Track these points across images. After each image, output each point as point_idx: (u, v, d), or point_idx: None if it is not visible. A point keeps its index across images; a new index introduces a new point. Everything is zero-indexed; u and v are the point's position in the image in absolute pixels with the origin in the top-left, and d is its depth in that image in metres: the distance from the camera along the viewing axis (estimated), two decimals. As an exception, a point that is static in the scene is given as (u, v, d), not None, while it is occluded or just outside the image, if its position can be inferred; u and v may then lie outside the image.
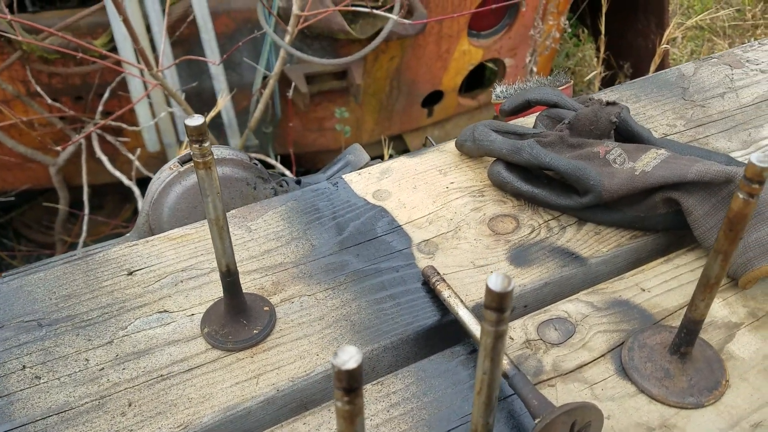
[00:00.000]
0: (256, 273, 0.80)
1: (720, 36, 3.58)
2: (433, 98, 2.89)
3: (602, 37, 2.41)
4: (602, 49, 2.46)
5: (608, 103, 0.88)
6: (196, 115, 0.58)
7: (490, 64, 2.93)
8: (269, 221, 0.87)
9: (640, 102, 1.06)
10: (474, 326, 0.71)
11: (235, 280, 0.69)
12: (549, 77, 1.12)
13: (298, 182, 1.01)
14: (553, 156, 0.84)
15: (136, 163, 2.21)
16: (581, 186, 0.83)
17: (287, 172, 2.25)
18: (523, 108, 0.97)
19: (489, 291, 0.45)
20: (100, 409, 0.65)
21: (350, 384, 0.40)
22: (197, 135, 0.58)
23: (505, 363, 0.66)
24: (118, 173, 2.19)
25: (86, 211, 2.29)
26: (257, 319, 0.73)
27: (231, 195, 0.93)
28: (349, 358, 0.40)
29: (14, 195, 2.54)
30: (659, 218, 0.82)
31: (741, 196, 0.56)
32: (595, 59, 2.69)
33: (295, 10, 2.03)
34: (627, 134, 0.89)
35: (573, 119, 0.87)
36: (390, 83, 2.73)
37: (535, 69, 2.81)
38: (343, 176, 0.94)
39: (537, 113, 0.97)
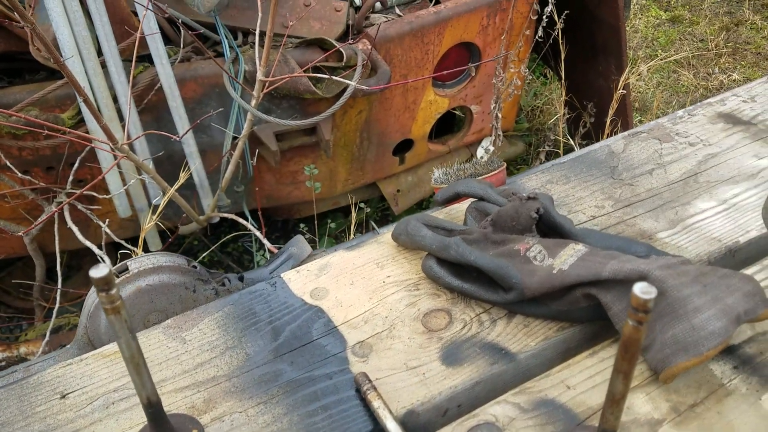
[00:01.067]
0: (188, 389, 0.81)
1: (684, 66, 3.64)
2: (404, 146, 2.93)
3: (562, 82, 2.46)
4: (563, 93, 2.51)
5: (528, 198, 0.90)
6: (102, 264, 0.60)
7: (457, 112, 2.98)
8: (204, 330, 0.88)
9: (569, 183, 1.09)
10: (401, 440, 0.72)
11: (158, 410, 0.71)
12: (484, 161, 1.15)
13: (241, 278, 1.02)
14: (478, 254, 0.86)
15: (107, 230, 2.23)
16: (505, 284, 0.85)
17: (257, 233, 2.27)
18: (454, 198, 0.99)
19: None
20: None
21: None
22: (103, 284, 0.60)
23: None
24: (88, 243, 2.21)
25: (59, 280, 2.30)
26: (186, 443, 0.74)
27: (170, 301, 0.94)
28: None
29: (-10, 263, 2.55)
30: (582, 311, 0.84)
31: (630, 323, 0.58)
32: (561, 101, 2.74)
33: (259, 75, 2.06)
34: (549, 224, 0.91)
35: (495, 216, 0.89)
36: (360, 135, 2.77)
37: (500, 115, 2.86)
38: (282, 275, 0.95)
39: (469, 203, 0.99)
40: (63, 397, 0.80)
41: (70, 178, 2.30)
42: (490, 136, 2.56)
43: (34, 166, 2.37)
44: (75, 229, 2.24)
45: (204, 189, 2.53)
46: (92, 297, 0.91)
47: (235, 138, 2.44)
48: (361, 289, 0.94)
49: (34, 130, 1.93)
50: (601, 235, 0.90)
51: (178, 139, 1.94)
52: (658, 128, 1.18)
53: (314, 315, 0.90)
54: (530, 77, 3.39)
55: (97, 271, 0.59)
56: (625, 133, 1.17)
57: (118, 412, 0.78)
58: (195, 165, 2.42)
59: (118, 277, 0.92)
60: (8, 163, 2.23)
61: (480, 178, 1.15)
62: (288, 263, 1.06)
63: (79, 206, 2.35)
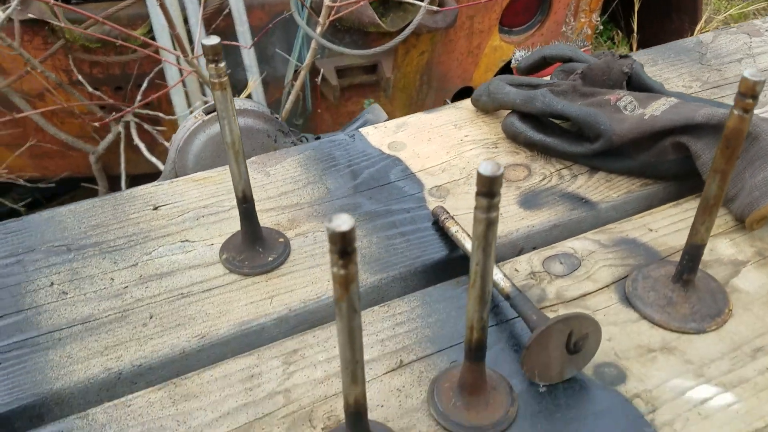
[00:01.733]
0: (272, 211, 0.83)
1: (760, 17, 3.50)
2: (464, 95, 2.91)
3: (634, 35, 2.41)
4: (635, 47, 2.46)
5: (621, 56, 0.89)
6: (213, 36, 0.62)
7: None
8: (287, 167, 0.90)
9: (656, 65, 1.08)
10: (480, 256, 0.73)
11: (251, 207, 0.73)
12: (567, 43, 1.14)
13: (317, 139, 1.04)
14: (565, 103, 0.86)
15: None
16: (592, 131, 0.85)
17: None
18: (539, 64, 0.99)
19: (479, 177, 0.47)
20: (122, 320, 0.69)
21: (344, 246, 0.43)
22: (213, 54, 0.62)
23: (507, 285, 0.68)
24: (154, 159, 2.27)
25: (123, 196, 2.36)
26: (272, 249, 0.76)
27: (252, 146, 0.97)
28: (343, 222, 0.43)
29: (55, 182, 2.63)
30: (669, 164, 0.83)
31: (736, 112, 0.57)
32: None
33: (326, 1, 2.08)
34: (639, 87, 0.90)
35: (586, 69, 0.89)
36: (420, 78, 2.77)
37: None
38: (360, 130, 0.97)
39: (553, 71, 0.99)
40: (155, 208, 0.83)
41: (138, 98, 2.36)
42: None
43: (103, 85, 2.44)
44: (142, 145, 2.30)
45: (265, 119, 2.56)
46: (182, 131, 0.94)
47: (297, 69, 2.46)
48: (439, 144, 0.95)
49: (109, 39, 1.99)
50: (694, 98, 0.89)
51: (248, 47, 1.97)
52: (747, 26, 1.16)
53: (392, 162, 0.91)
54: (597, 40, 3.32)
55: (209, 40, 0.61)
56: (715, 30, 1.15)
57: (208, 223, 0.81)
58: (257, 94, 2.45)
59: (206, 115, 0.95)
60: (80, 78, 2.30)
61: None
62: (364, 127, 1.07)
63: (146, 126, 2.41)
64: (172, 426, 0.59)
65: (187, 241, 0.79)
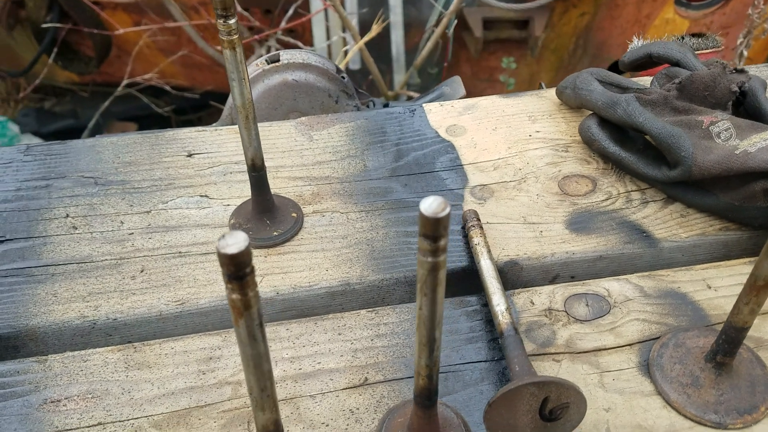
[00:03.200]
0: (300, 180, 0.79)
1: None
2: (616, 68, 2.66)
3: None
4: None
5: (735, 70, 0.74)
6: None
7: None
8: (333, 134, 0.85)
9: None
10: (490, 279, 0.65)
11: (262, 177, 0.69)
12: (700, 38, 0.97)
13: (386, 105, 0.98)
14: (648, 117, 0.73)
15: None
16: (671, 156, 0.71)
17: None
18: (643, 61, 0.85)
19: (421, 216, 0.40)
20: (115, 268, 0.69)
21: (235, 271, 0.38)
22: (221, 9, 0.57)
23: (505, 321, 0.60)
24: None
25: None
26: (281, 223, 0.73)
27: (312, 105, 0.92)
28: (235, 242, 0.38)
29: (199, 94, 2.77)
30: (758, 211, 0.69)
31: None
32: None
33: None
34: (753, 110, 0.75)
35: (686, 79, 0.74)
36: (576, 41, 2.56)
37: (746, 53, 2.47)
38: (423, 105, 0.89)
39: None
40: (189, 155, 0.82)
41: (283, 24, 2.39)
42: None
43: (254, 6, 2.48)
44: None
45: (399, 63, 2.50)
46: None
47: (441, 15, 2.36)
48: (503, 136, 0.85)
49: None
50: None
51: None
52: None
53: (443, 149, 0.83)
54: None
55: (217, -3, 0.57)
56: None
57: (233, 181, 0.78)
58: (396, 36, 2.39)
59: (268, 64, 0.91)
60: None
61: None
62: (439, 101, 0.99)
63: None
64: (115, 392, 0.58)
65: (206, 196, 0.77)
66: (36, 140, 2.86)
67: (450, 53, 2.53)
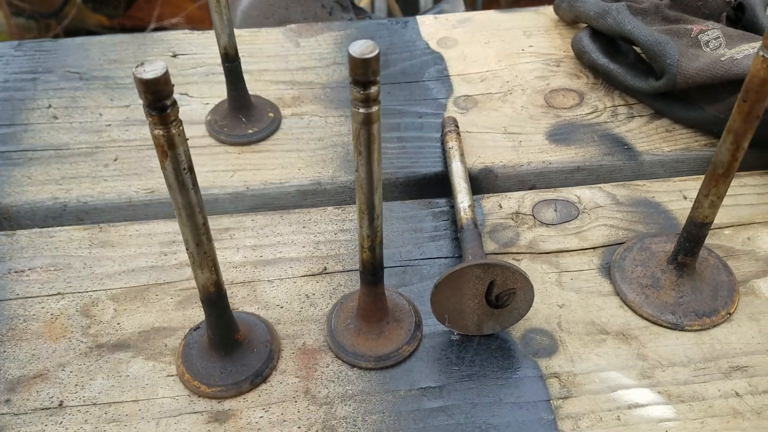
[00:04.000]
0: (283, 84, 0.78)
1: None
2: None
3: None
4: None
5: (733, -20, 0.71)
6: None
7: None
8: (321, 42, 0.84)
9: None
10: (458, 180, 0.64)
11: (236, 68, 0.69)
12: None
13: (382, 21, 0.96)
14: (637, 24, 0.70)
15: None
16: (657, 65, 0.69)
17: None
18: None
19: (350, 59, 0.39)
20: (89, 155, 0.70)
21: (153, 98, 0.38)
22: None
23: (466, 217, 0.59)
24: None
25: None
26: (257, 122, 0.72)
27: (304, 15, 0.91)
28: (151, 69, 0.38)
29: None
30: (743, 123, 0.66)
31: (762, 53, 0.42)
32: None
33: None
34: (749, 25, 0.71)
35: (679, -11, 0.71)
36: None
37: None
38: (417, 17, 0.87)
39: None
40: (174, 56, 0.82)
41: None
42: None
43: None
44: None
45: None
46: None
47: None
48: (495, 50, 0.83)
49: None
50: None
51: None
52: None
53: (432, 60, 0.82)
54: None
55: None
56: None
57: (214, 82, 0.78)
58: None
59: (259, -28, 0.90)
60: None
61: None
62: (436, 20, 0.97)
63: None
64: (77, 267, 0.59)
65: (186, 94, 0.77)
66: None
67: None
